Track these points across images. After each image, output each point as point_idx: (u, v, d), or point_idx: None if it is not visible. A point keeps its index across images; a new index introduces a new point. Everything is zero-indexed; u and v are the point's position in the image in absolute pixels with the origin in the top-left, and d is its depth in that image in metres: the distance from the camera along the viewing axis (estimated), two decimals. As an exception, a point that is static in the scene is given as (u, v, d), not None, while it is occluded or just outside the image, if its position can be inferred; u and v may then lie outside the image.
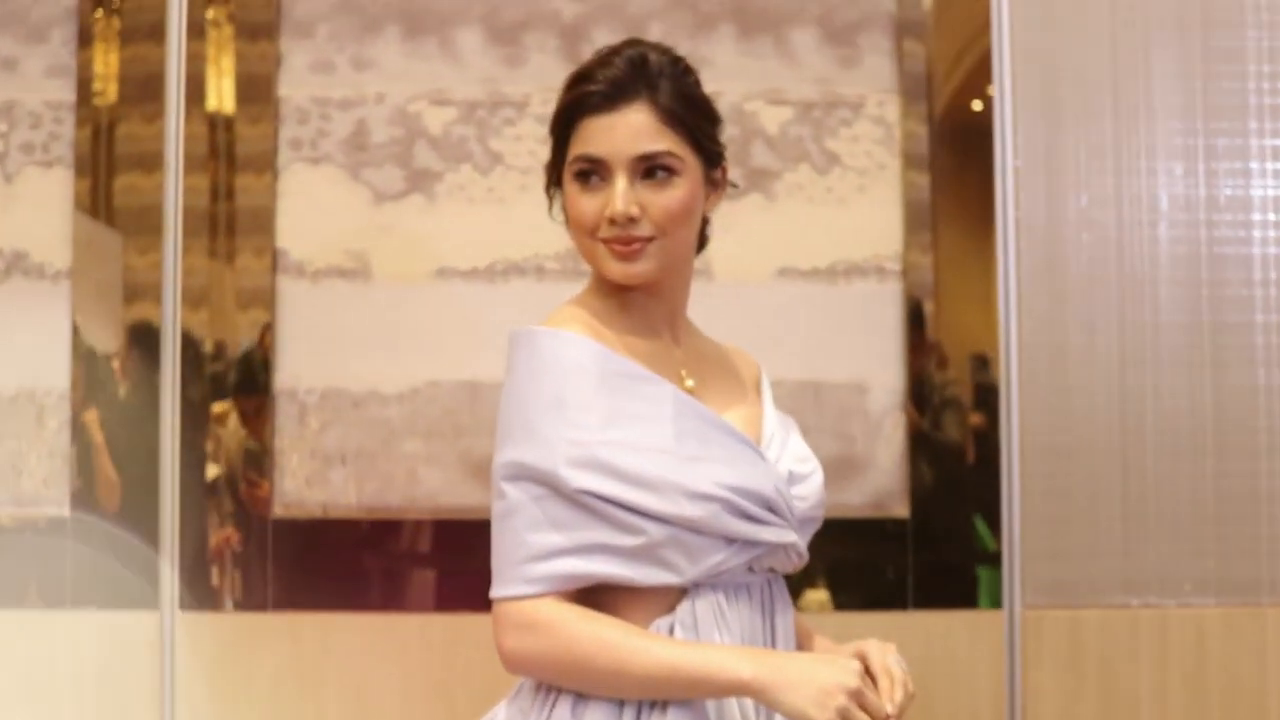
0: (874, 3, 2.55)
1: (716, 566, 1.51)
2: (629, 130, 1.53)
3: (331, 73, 2.51)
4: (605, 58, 1.58)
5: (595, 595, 1.50)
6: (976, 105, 2.52)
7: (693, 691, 1.47)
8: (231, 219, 2.48)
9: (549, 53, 2.51)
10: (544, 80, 2.47)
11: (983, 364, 2.51)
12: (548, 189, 1.66)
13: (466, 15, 2.52)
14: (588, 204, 1.54)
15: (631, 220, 1.52)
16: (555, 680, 1.50)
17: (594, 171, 1.54)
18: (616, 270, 1.56)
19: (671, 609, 1.51)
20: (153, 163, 2.47)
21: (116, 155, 2.47)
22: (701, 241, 1.70)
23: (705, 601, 1.52)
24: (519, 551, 1.45)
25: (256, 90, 2.51)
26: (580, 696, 1.52)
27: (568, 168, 1.57)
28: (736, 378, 1.73)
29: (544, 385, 1.49)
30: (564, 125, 1.58)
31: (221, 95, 2.49)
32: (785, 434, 1.69)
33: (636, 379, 1.54)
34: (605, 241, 1.55)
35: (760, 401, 1.73)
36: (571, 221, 1.59)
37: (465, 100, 2.52)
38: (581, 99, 1.55)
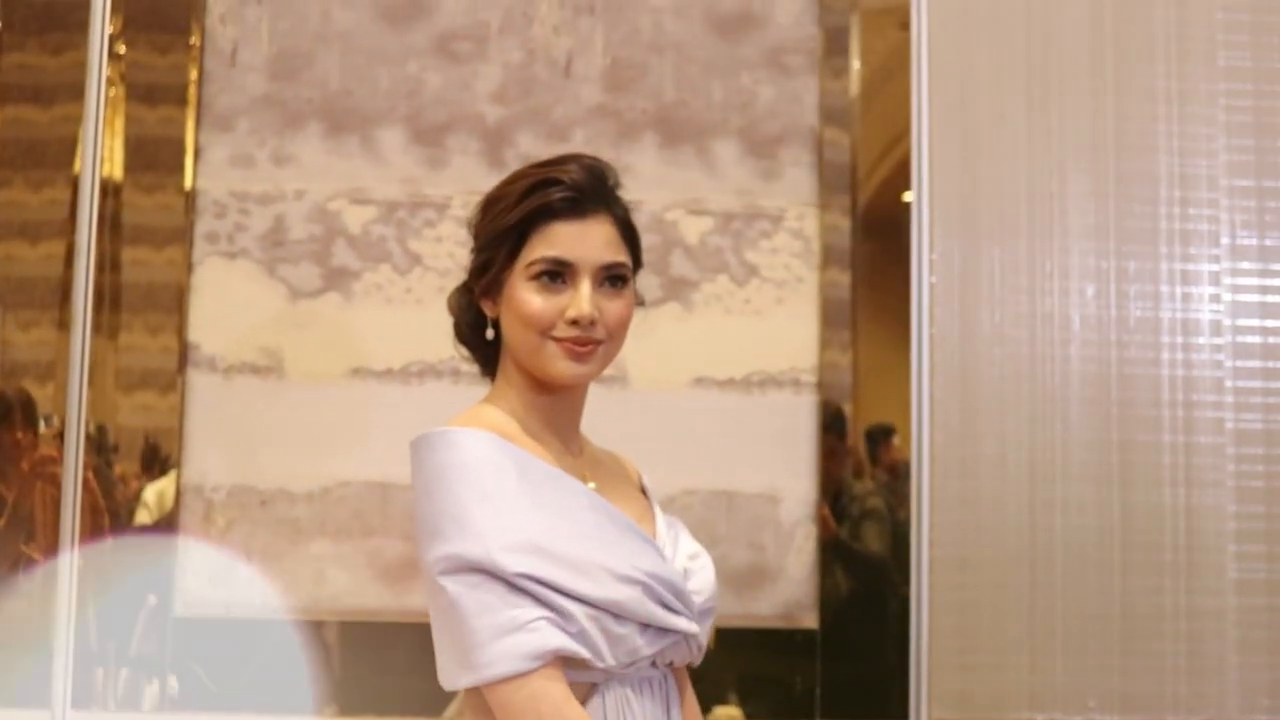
0: (796, 116, 2.56)
1: (632, 654, 1.55)
2: (599, 239, 1.59)
3: (251, 167, 2.50)
4: (561, 166, 1.62)
5: None
6: (907, 196, 2.54)
7: None
8: (117, 293, 2.45)
9: (471, 155, 2.52)
10: (466, 183, 2.49)
11: (895, 477, 2.51)
12: (478, 290, 1.67)
13: (389, 115, 2.53)
14: (546, 304, 1.57)
15: (592, 323, 1.57)
16: None
17: (559, 274, 1.57)
18: (566, 369, 1.59)
19: (582, 701, 1.53)
20: (37, 232, 2.46)
21: None
22: None
23: (614, 695, 1.56)
24: (474, 638, 1.47)
25: (149, 157, 2.50)
26: None
27: (524, 268, 1.59)
28: (627, 480, 1.78)
29: (467, 481, 1.52)
30: (524, 227, 1.60)
31: (113, 161, 2.48)
32: (675, 534, 1.73)
33: (550, 475, 1.57)
34: (560, 341, 1.57)
35: (649, 502, 1.77)
36: (522, 320, 1.60)
37: (385, 200, 2.52)
38: (549, 204, 1.58)
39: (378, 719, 2.37)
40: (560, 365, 1.59)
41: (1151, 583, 2.49)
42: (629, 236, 1.67)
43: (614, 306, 1.61)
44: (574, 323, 1.57)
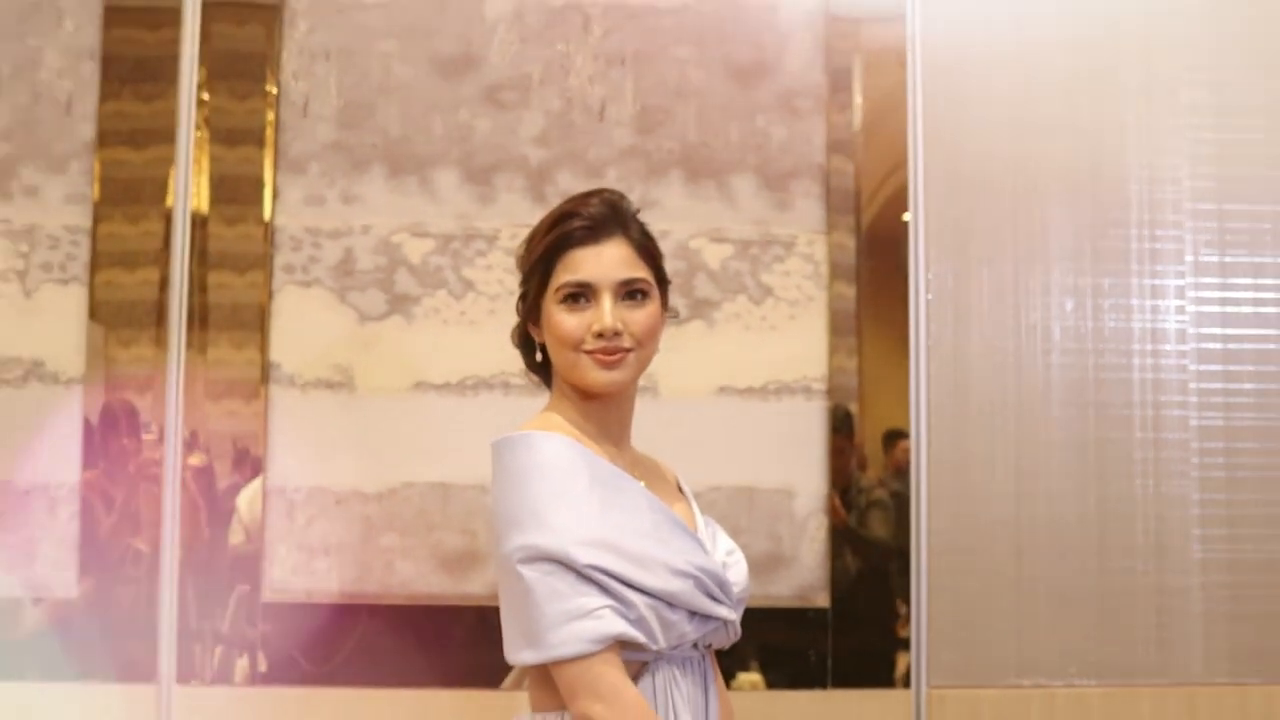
0: (805, 154, 2.59)
1: (681, 638, 1.62)
2: (613, 259, 1.66)
3: (323, 205, 2.54)
4: (582, 201, 1.70)
5: None
6: (905, 218, 2.58)
7: None
8: (205, 313, 2.50)
9: (517, 192, 2.56)
10: (512, 217, 2.54)
11: (897, 472, 2.55)
12: (523, 317, 1.75)
13: (444, 158, 2.56)
14: (574, 322, 1.65)
15: (616, 334, 1.64)
16: None
17: (582, 294, 1.65)
18: (599, 377, 1.66)
19: (635, 679, 1.60)
20: (135, 261, 2.50)
21: (100, 252, 2.50)
22: None
23: (663, 673, 1.63)
24: (545, 620, 1.53)
25: (231, 192, 2.54)
26: None
27: (554, 293, 1.67)
28: (667, 481, 1.83)
29: (545, 479, 1.57)
30: (549, 257, 1.68)
31: (200, 197, 2.52)
32: (712, 531, 1.79)
33: (616, 475, 1.64)
34: (590, 353, 1.65)
35: (688, 503, 1.82)
36: (557, 339, 1.67)
37: (441, 233, 2.55)
38: (568, 234, 1.66)
39: (440, 690, 2.44)
40: (594, 375, 1.65)
41: (1125, 564, 2.55)
42: (648, 256, 1.72)
43: (637, 316, 1.66)
44: (600, 335, 1.63)
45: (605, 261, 1.66)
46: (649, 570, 1.57)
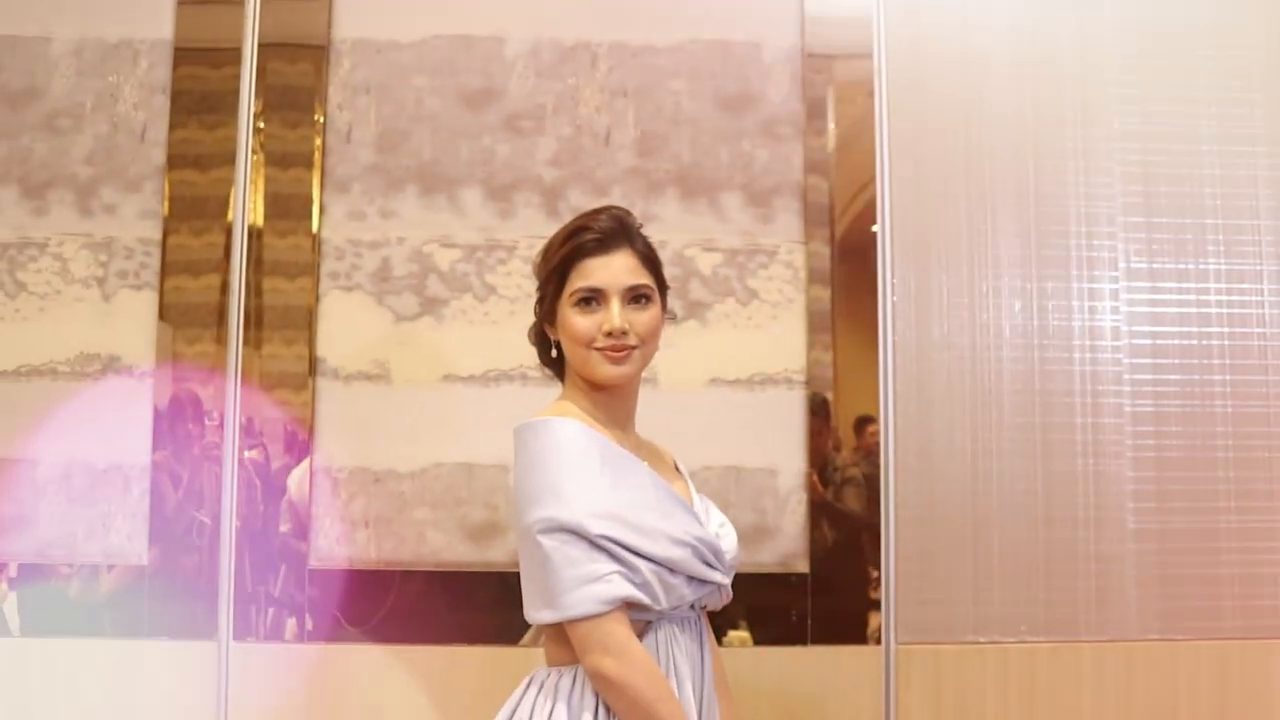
0: (786, 173, 2.62)
1: (680, 600, 1.67)
2: (621, 268, 1.73)
3: (363, 220, 2.57)
4: (593, 216, 1.76)
5: None
6: (875, 228, 2.57)
7: None
8: (260, 314, 2.51)
9: (533, 207, 2.58)
10: (529, 229, 2.57)
11: (868, 453, 2.56)
12: (540, 318, 1.81)
13: (469, 178, 2.58)
14: (587, 322, 1.71)
15: (624, 333, 1.70)
16: (620, 694, 1.60)
17: (593, 298, 1.71)
18: (608, 371, 1.71)
19: (640, 635, 1.66)
20: (199, 268, 2.53)
21: (169, 262, 2.53)
22: None
23: (665, 630, 1.69)
24: (562, 584, 1.59)
25: (283, 209, 2.54)
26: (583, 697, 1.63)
27: (569, 297, 1.73)
28: (665, 462, 1.90)
29: (561, 459, 1.63)
30: (564, 266, 1.74)
31: (257, 213, 2.54)
32: (705, 506, 1.86)
33: (624, 457, 1.69)
34: (601, 350, 1.71)
35: (685, 481, 1.89)
36: (571, 337, 1.73)
37: (467, 244, 2.58)
38: (582, 246, 1.73)
39: (466, 646, 2.47)
40: (603, 369, 1.72)
41: (1068, 534, 2.58)
42: (651, 265, 1.78)
43: (641, 318, 1.73)
44: (609, 334, 1.70)
45: (614, 270, 1.72)
46: (653, 540, 1.62)
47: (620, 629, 1.59)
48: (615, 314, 1.70)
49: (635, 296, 1.73)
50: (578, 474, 1.61)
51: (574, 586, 1.57)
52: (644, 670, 1.59)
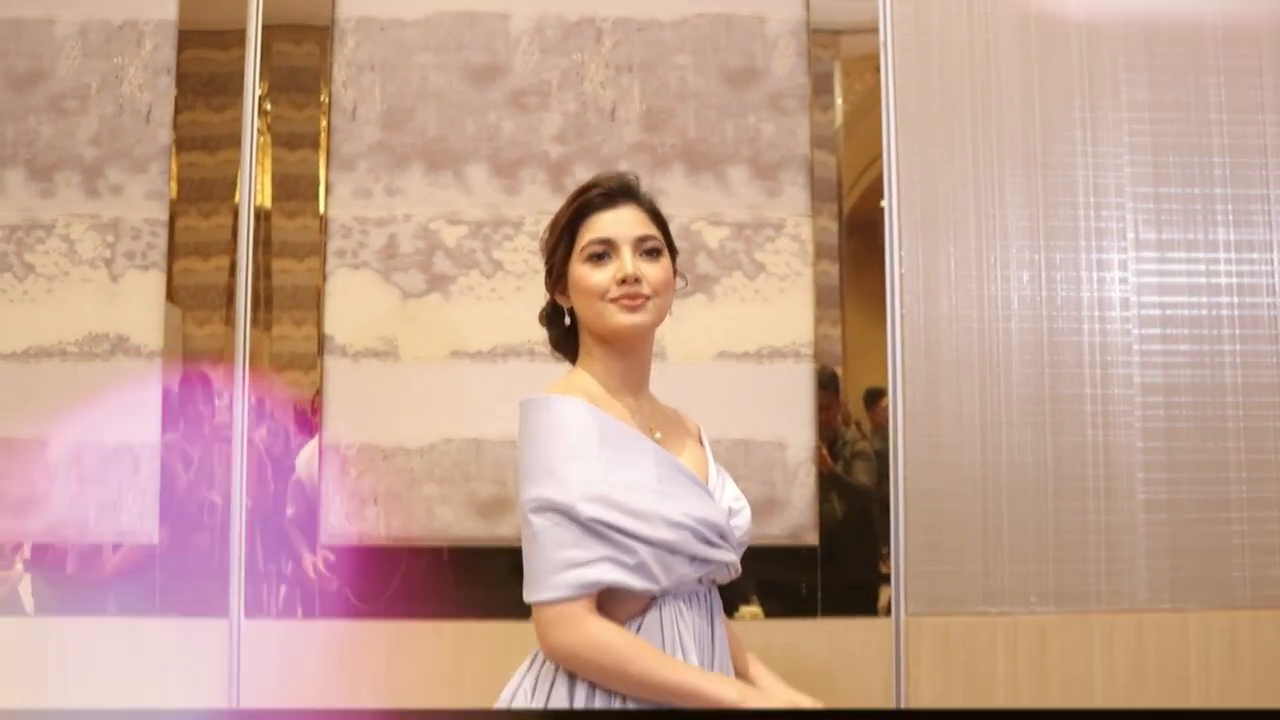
0: (792, 147, 2.63)
1: (681, 578, 1.65)
2: (630, 219, 1.73)
3: (370, 198, 2.58)
4: (598, 178, 1.77)
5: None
6: (882, 203, 2.59)
7: (687, 702, 1.57)
8: (269, 295, 2.52)
9: (539, 184, 2.60)
10: (535, 205, 2.59)
11: (877, 426, 2.57)
12: (550, 289, 1.79)
13: (475, 154, 2.60)
14: (600, 275, 1.71)
15: (637, 280, 1.69)
16: (584, 670, 1.60)
17: (605, 251, 1.71)
18: (624, 320, 1.70)
19: (644, 611, 1.65)
20: (207, 250, 2.54)
21: (177, 243, 2.54)
22: None
23: (670, 607, 1.67)
24: (545, 565, 1.59)
25: (291, 189, 2.56)
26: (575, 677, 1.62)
27: (580, 253, 1.72)
28: (686, 431, 1.87)
29: (560, 439, 1.61)
30: (574, 223, 1.74)
31: (264, 194, 2.55)
32: (722, 479, 1.82)
33: (626, 435, 1.67)
34: (615, 300, 1.69)
35: (704, 451, 1.86)
36: (584, 292, 1.71)
37: (473, 220, 2.59)
38: (590, 201, 1.73)
39: (475, 621, 2.49)
40: (619, 318, 1.70)
41: (1077, 504, 2.59)
42: (659, 222, 1.77)
43: (653, 270, 1.72)
44: (623, 282, 1.68)
45: (624, 222, 1.72)
46: (648, 522, 1.60)
47: (576, 607, 1.58)
48: (628, 260, 1.69)
49: (646, 250, 1.73)
50: (574, 454, 1.60)
51: (556, 570, 1.57)
52: (612, 639, 1.58)
